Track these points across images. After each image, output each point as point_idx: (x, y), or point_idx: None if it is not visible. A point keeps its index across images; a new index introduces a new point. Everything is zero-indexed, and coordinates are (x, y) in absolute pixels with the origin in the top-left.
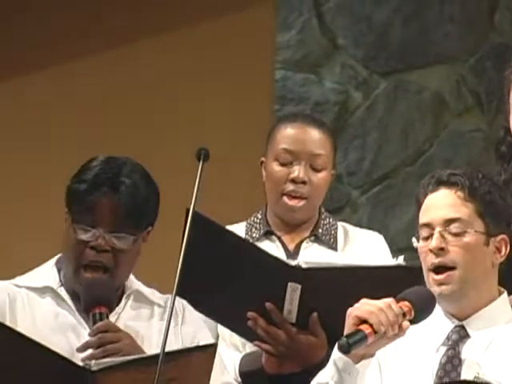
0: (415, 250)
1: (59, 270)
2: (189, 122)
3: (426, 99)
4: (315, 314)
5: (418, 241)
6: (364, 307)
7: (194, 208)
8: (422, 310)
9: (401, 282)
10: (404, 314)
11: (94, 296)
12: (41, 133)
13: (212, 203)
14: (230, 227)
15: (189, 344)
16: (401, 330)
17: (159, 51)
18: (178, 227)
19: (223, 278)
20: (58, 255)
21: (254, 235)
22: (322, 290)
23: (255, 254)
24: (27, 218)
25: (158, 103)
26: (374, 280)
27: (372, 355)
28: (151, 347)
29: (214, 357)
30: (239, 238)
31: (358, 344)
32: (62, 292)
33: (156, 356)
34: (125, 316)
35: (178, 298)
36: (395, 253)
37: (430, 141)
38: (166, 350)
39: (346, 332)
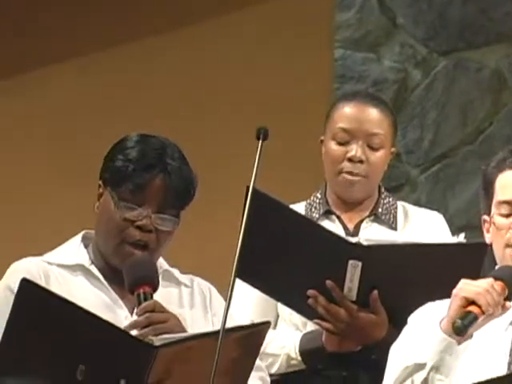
0: (475, 228)
1: (86, 247)
2: (248, 102)
3: (486, 78)
4: (376, 292)
5: (487, 215)
6: (470, 288)
7: (253, 187)
8: None
9: (462, 260)
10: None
11: (139, 276)
12: (80, 110)
13: (272, 182)
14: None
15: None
16: (504, 310)
17: (221, 31)
18: (238, 207)
19: (283, 255)
20: (82, 232)
21: (314, 215)
22: (382, 268)
23: (315, 232)
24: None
25: (218, 83)
26: (435, 257)
27: (471, 336)
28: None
29: (266, 334)
30: (299, 215)
31: (471, 325)
32: (94, 270)
33: (216, 333)
34: (156, 297)
35: (202, 282)
36: (454, 231)
37: (490, 119)
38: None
39: (451, 313)
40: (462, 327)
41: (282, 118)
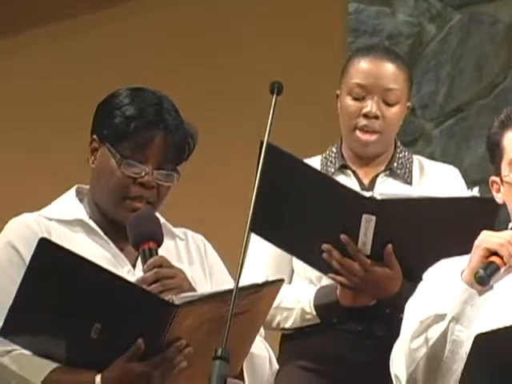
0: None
1: (81, 202)
2: (262, 56)
3: (500, 31)
4: (390, 246)
5: (495, 176)
6: (493, 239)
7: (267, 141)
8: None
9: (475, 214)
10: None
11: (143, 231)
12: (92, 70)
13: (286, 137)
14: (305, 161)
15: (215, 282)
16: None
17: None
18: (252, 161)
19: (297, 210)
20: (75, 186)
21: (330, 169)
22: (396, 222)
23: (329, 186)
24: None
25: (232, 37)
26: (449, 211)
27: (492, 287)
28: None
29: (278, 291)
30: (313, 169)
31: (493, 275)
32: (93, 224)
33: (231, 291)
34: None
35: (195, 235)
36: (469, 185)
37: (504, 73)
38: (222, 287)
39: (473, 264)
40: (484, 276)
41: (296, 72)
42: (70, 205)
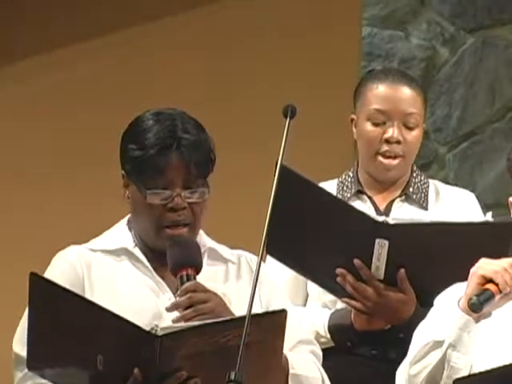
0: (503, 206)
1: (130, 230)
2: (276, 79)
3: None
4: (403, 271)
5: None
6: (489, 266)
7: (282, 164)
8: None
9: (489, 239)
10: None
11: (181, 258)
12: (139, 89)
13: (299, 160)
14: (321, 185)
15: (265, 307)
16: None
17: (247, 7)
18: (265, 184)
19: (311, 233)
20: (128, 215)
21: (346, 194)
22: (409, 246)
23: (343, 210)
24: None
25: (246, 61)
26: (461, 236)
27: (489, 315)
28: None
29: (285, 321)
30: (327, 192)
31: (487, 303)
32: (138, 252)
33: (223, 322)
34: (202, 276)
35: (252, 257)
36: (482, 209)
37: None
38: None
39: (469, 291)
40: (477, 303)
41: (308, 96)
42: (119, 234)
